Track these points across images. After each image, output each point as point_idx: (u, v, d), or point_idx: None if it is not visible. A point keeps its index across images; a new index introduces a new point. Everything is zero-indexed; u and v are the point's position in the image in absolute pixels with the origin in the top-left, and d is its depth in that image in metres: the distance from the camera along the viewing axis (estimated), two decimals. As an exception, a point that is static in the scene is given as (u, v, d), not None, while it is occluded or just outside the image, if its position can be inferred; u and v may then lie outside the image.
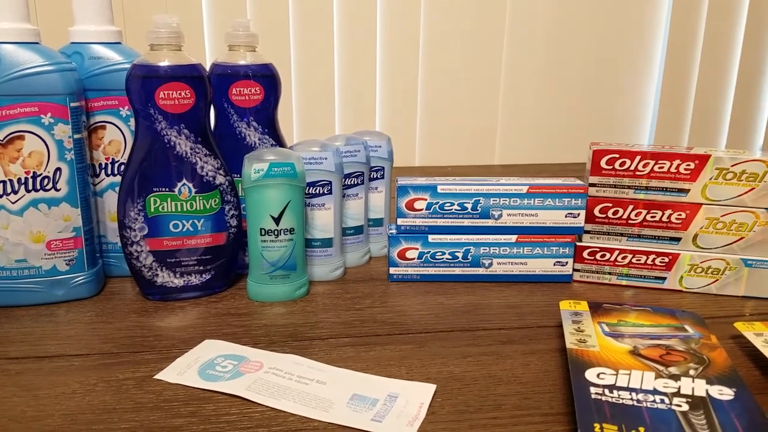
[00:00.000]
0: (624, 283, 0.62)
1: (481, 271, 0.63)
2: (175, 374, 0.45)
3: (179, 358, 0.47)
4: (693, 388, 0.38)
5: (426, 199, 0.61)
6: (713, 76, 1.25)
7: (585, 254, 0.62)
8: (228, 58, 0.60)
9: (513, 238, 0.62)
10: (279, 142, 0.62)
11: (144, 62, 0.53)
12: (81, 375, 0.45)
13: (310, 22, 1.13)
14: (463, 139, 1.25)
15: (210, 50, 1.11)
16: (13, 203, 0.54)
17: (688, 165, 0.58)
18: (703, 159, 0.57)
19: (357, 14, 1.14)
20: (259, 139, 0.61)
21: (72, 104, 0.54)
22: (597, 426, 0.34)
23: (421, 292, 0.61)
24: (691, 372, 0.40)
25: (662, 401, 0.37)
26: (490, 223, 0.62)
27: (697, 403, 0.37)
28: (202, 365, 0.46)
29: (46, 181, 0.54)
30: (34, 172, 0.53)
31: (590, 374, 0.39)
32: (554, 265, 0.62)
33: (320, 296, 0.59)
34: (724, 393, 0.38)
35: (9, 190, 0.53)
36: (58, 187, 0.54)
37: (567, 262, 0.62)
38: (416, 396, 0.42)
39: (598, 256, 0.62)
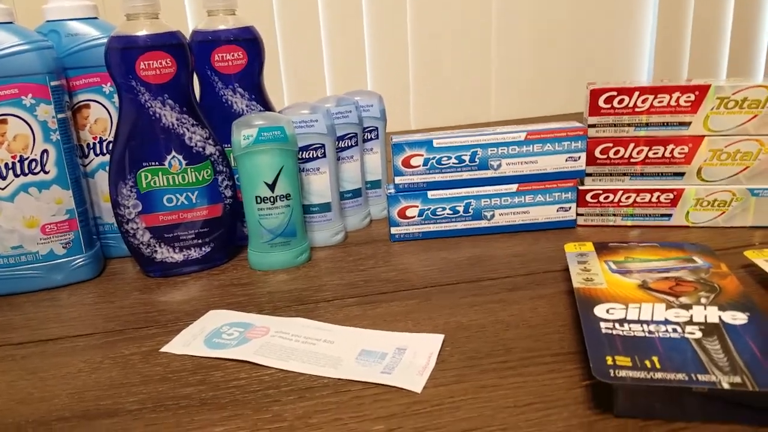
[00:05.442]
0: (629, 223, 0.61)
1: (483, 223, 0.62)
2: (181, 346, 0.44)
3: (184, 330, 0.46)
4: (705, 316, 0.37)
5: (422, 155, 0.60)
6: (709, 7, 1.22)
7: (588, 197, 0.61)
8: (208, 24, 0.58)
9: (514, 187, 0.61)
10: (267, 107, 0.61)
11: (121, 33, 0.51)
12: (86, 354, 0.44)
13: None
14: (457, 98, 1.23)
15: (192, 21, 1.09)
16: (2, 189, 0.53)
17: (689, 97, 0.56)
18: (703, 89, 0.56)
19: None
20: (246, 106, 0.60)
21: (52, 83, 0.53)
22: (609, 358, 0.33)
23: (424, 249, 0.60)
24: (703, 300, 0.39)
25: (675, 330, 0.36)
26: (489, 174, 0.61)
27: (710, 329, 0.36)
28: (208, 335, 0.45)
29: (33, 164, 0.53)
30: (20, 156, 0.52)
31: (599, 310, 0.39)
32: (557, 211, 0.61)
33: (323, 261, 0.59)
34: (737, 318, 0.37)
35: (-3, 176, 0.52)
36: (47, 170, 0.53)
37: (570, 207, 0.61)
38: (425, 347, 0.41)
39: (601, 198, 0.60)
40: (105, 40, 0.54)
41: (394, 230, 0.62)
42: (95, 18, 0.58)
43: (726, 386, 0.31)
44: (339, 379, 0.38)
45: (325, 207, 0.61)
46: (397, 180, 0.61)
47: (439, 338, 0.42)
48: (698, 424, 0.32)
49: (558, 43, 1.22)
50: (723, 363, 0.32)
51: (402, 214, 0.62)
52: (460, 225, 0.62)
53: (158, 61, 0.51)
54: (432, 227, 0.62)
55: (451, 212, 0.61)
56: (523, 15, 1.19)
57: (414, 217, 0.62)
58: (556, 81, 1.24)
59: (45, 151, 0.53)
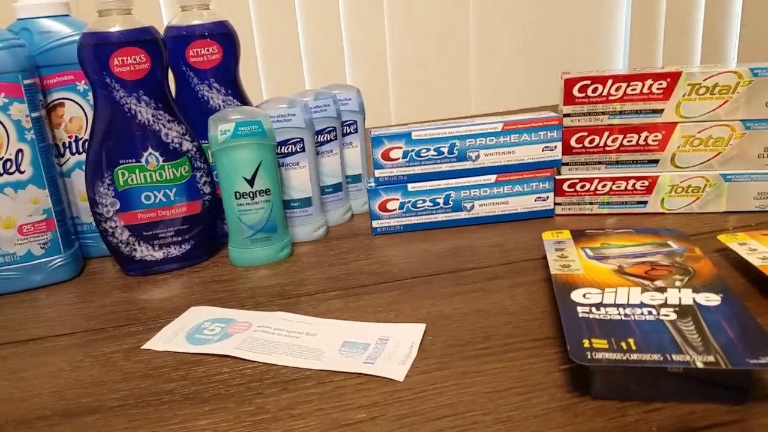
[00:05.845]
0: (606, 211, 0.62)
1: (463, 215, 0.62)
2: (163, 342, 0.44)
3: (165, 327, 0.46)
4: (680, 298, 0.38)
5: (401, 148, 0.60)
6: None
7: (565, 187, 0.61)
8: (181, 20, 0.57)
9: (492, 178, 0.61)
10: (244, 102, 0.61)
11: (94, 30, 0.51)
12: (67, 353, 0.44)
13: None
14: (437, 94, 1.23)
15: (166, 16, 1.08)
16: (-24, 190, 0.52)
17: (661, 84, 0.57)
18: (674, 76, 0.57)
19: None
20: (223, 101, 0.59)
21: (25, 82, 0.52)
22: (586, 341, 0.34)
23: (406, 241, 0.60)
24: (677, 283, 0.40)
25: (650, 313, 0.37)
26: (468, 165, 0.61)
27: (684, 311, 0.37)
28: (190, 331, 0.45)
29: (8, 164, 0.52)
30: (-6, 156, 0.52)
31: (576, 295, 0.39)
32: (535, 201, 0.62)
33: (304, 255, 0.59)
34: (710, 299, 0.38)
35: (-29, 177, 0.52)
36: (22, 169, 0.53)
37: (548, 197, 0.62)
38: (407, 336, 0.41)
39: (578, 187, 0.61)
40: (77, 37, 0.54)
41: (375, 224, 0.63)
42: (67, 15, 0.57)
43: (700, 365, 0.31)
44: (322, 370, 0.39)
45: (306, 202, 0.61)
46: (377, 173, 0.61)
47: (420, 328, 0.42)
48: (674, 403, 0.32)
49: (534, 38, 1.23)
50: (697, 343, 0.33)
51: (383, 207, 0.62)
52: (440, 217, 0.62)
53: (132, 57, 0.51)
54: (413, 219, 0.62)
55: (432, 204, 0.62)
56: (501, 9, 1.20)
57: (395, 210, 0.62)
58: (534, 75, 1.25)
59: (20, 150, 0.52)
